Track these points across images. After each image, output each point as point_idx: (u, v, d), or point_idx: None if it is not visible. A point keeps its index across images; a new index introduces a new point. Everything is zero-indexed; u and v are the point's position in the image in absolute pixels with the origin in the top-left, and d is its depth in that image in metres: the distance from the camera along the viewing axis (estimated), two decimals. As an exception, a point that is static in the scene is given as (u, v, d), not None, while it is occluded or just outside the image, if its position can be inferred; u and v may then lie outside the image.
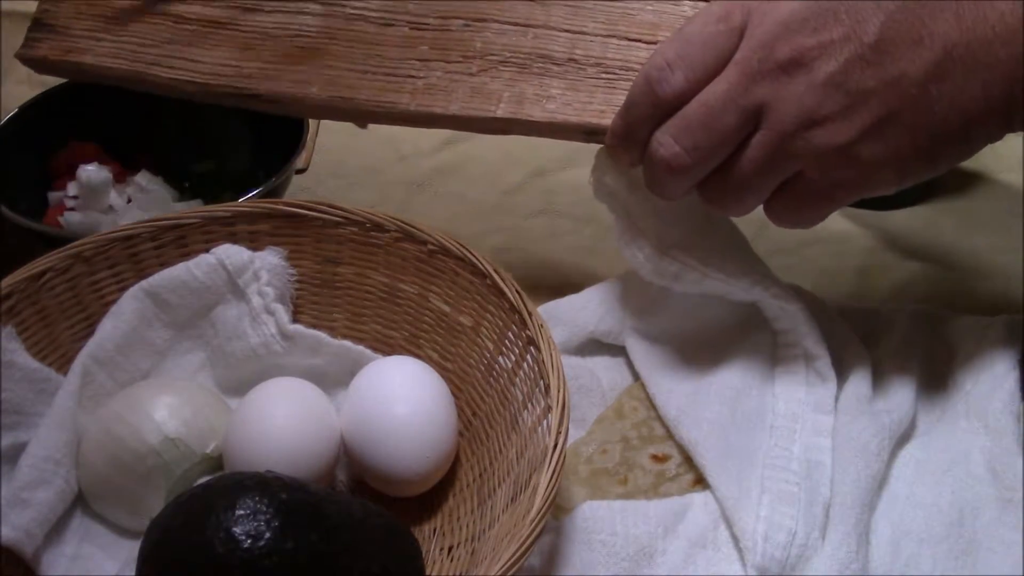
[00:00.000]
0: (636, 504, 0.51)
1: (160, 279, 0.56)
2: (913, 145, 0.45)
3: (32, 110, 0.70)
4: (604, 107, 0.54)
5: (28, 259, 0.54)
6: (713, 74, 0.47)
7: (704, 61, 0.47)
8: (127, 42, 0.62)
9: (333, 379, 0.57)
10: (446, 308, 0.56)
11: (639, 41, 0.55)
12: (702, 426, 0.52)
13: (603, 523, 0.50)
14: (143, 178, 0.71)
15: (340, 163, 0.79)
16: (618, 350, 0.59)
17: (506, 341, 0.53)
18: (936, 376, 0.55)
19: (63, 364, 0.55)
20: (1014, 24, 0.42)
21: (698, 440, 0.52)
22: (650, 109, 0.48)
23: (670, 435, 0.54)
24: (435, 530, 0.53)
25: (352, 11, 0.60)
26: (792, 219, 0.49)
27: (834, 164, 0.46)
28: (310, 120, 0.70)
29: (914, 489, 0.50)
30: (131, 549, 0.50)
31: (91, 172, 0.67)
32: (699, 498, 0.51)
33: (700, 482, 0.52)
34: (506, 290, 0.52)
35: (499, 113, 0.55)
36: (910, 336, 0.56)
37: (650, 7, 0.56)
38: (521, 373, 0.51)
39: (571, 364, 0.58)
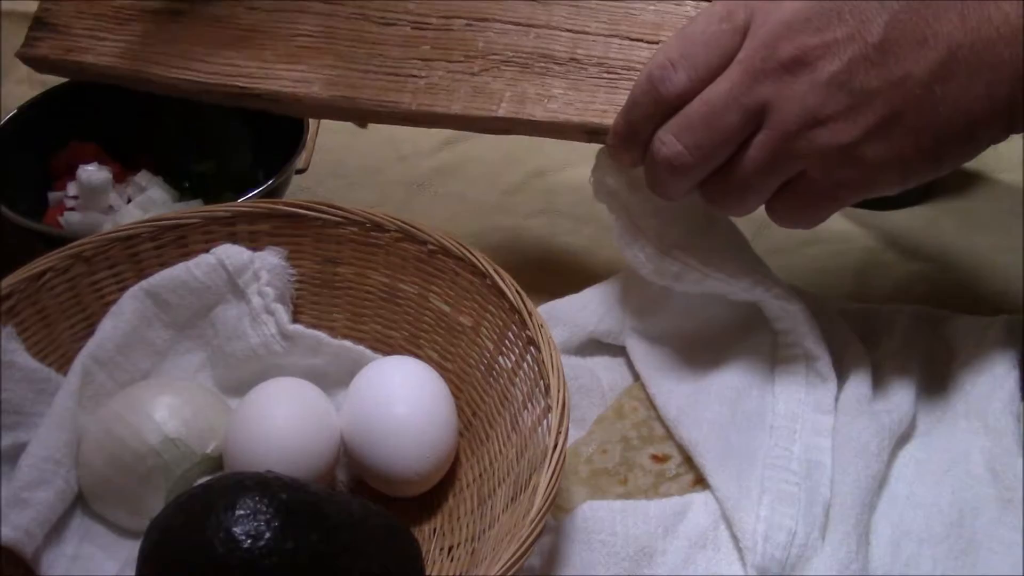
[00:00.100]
0: (636, 504, 0.51)
1: (160, 279, 0.56)
2: (917, 145, 0.45)
3: (32, 110, 0.70)
4: (606, 107, 0.53)
5: (28, 259, 0.54)
6: (716, 73, 0.46)
7: (707, 60, 0.46)
8: (128, 41, 0.62)
9: (333, 379, 0.57)
10: (446, 308, 0.56)
11: (641, 41, 0.55)
12: (702, 426, 0.52)
13: (603, 523, 0.50)
14: (143, 178, 0.71)
15: (340, 163, 0.79)
16: (618, 350, 0.59)
17: (506, 341, 0.53)
18: (936, 376, 0.54)
19: (63, 364, 0.54)
20: (1018, 25, 0.42)
21: (698, 440, 0.52)
22: (652, 108, 0.48)
23: (670, 435, 0.54)
24: (435, 530, 0.53)
25: (353, 10, 0.60)
26: (794, 219, 0.49)
27: (837, 164, 0.46)
28: (310, 120, 0.70)
29: (914, 489, 0.50)
30: (131, 549, 0.50)
31: (91, 172, 0.67)
32: (699, 498, 0.51)
33: (700, 482, 0.52)
34: (506, 290, 0.52)
35: (501, 113, 0.55)
36: (910, 336, 0.56)
37: (652, 7, 0.56)
38: (521, 373, 0.51)
39: (571, 364, 0.58)
